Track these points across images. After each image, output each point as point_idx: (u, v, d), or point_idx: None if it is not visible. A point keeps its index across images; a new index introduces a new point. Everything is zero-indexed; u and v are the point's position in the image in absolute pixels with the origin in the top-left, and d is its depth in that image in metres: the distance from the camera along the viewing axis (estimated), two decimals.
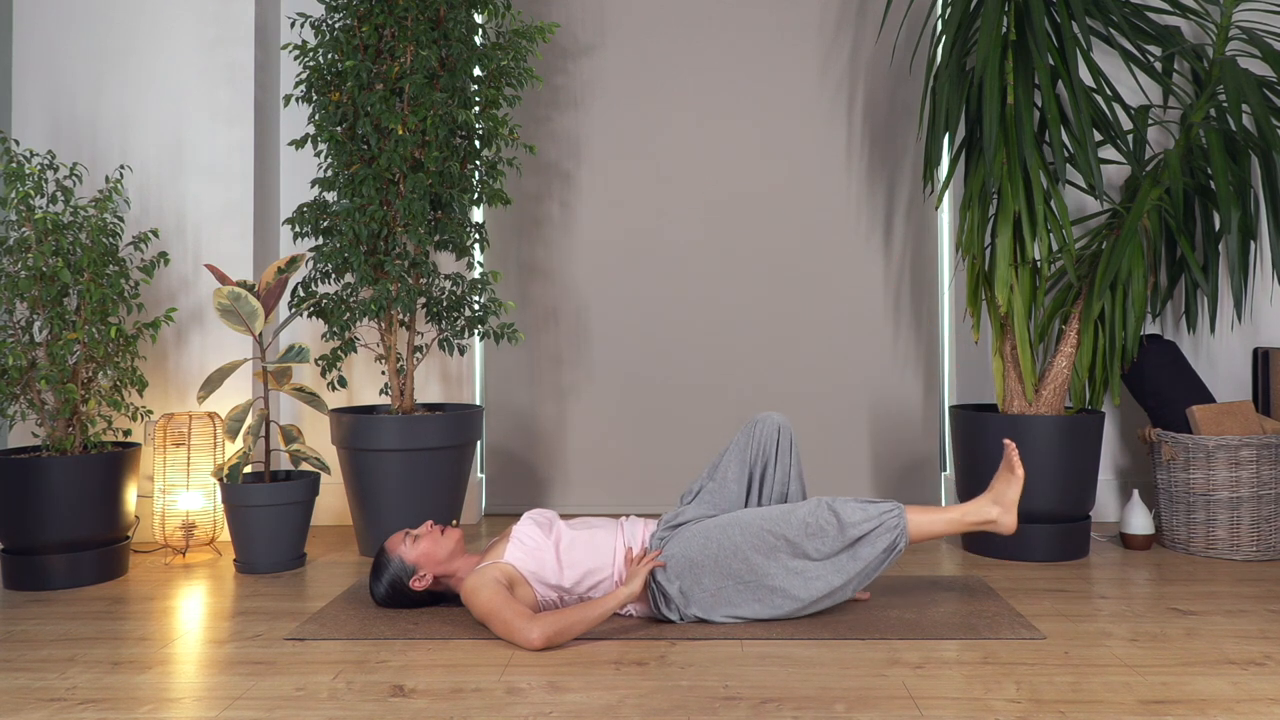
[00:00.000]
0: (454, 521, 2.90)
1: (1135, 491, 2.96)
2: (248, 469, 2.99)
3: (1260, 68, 3.29)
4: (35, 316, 2.64)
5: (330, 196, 3.34)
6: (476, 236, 3.08)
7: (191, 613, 2.34)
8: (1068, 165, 3.19)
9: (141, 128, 3.15)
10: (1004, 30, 2.89)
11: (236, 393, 3.13)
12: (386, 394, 3.10)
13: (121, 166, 2.85)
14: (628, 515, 2.77)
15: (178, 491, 2.89)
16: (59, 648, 2.08)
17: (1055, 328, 3.20)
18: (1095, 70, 2.84)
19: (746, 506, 2.35)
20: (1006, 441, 2.29)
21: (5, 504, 2.54)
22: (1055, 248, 3.10)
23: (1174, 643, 2.07)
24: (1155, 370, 3.00)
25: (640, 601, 2.21)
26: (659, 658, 1.99)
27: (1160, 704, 1.74)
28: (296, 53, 3.19)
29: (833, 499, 2.18)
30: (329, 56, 2.90)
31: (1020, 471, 2.28)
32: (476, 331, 3.32)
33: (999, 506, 2.27)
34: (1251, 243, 3.15)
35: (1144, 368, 3.01)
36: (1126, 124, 3.35)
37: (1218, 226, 3.18)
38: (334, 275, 2.93)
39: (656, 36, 3.56)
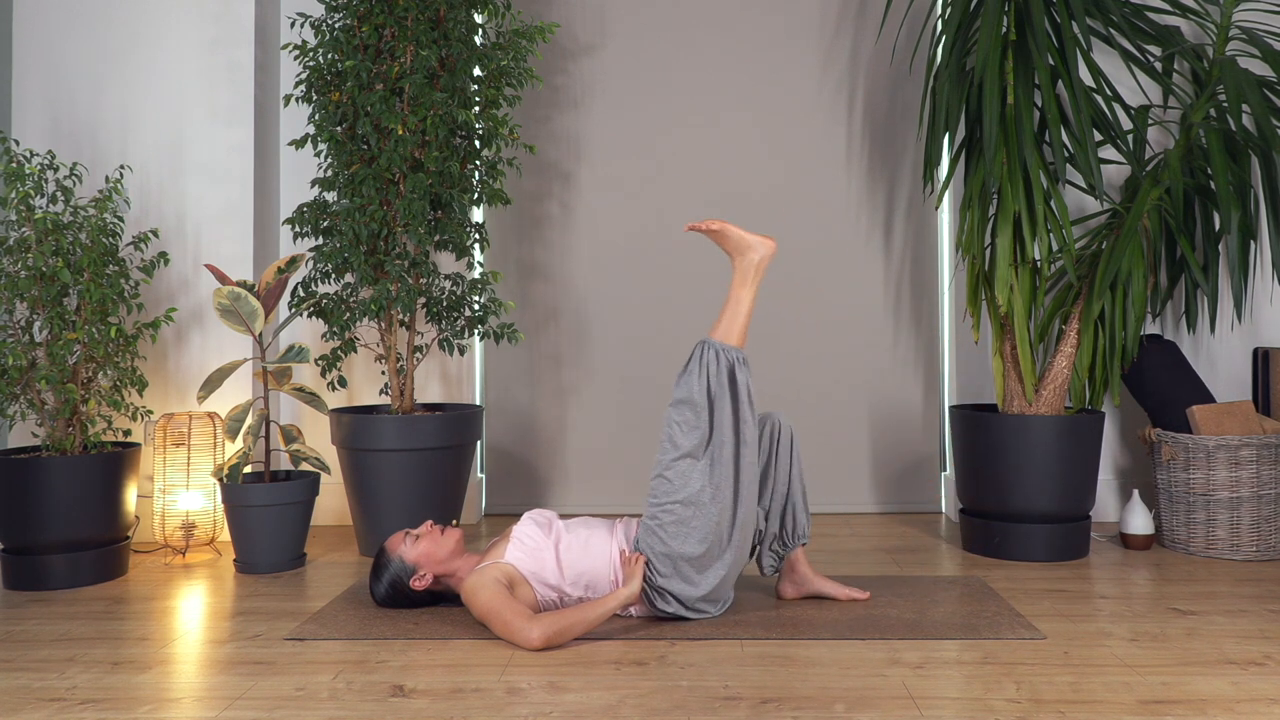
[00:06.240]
0: (454, 521, 2.90)
1: (1135, 491, 2.95)
2: (248, 469, 2.99)
3: (1260, 68, 3.29)
4: (35, 316, 2.64)
5: (330, 196, 3.34)
6: (476, 236, 3.08)
7: (191, 613, 2.34)
8: (1068, 165, 3.19)
9: (141, 128, 3.15)
10: (1004, 30, 2.89)
11: (236, 393, 3.13)
12: (386, 394, 3.10)
13: (121, 166, 2.85)
14: (623, 517, 2.77)
15: (178, 491, 2.89)
16: (59, 648, 2.08)
17: (1055, 328, 3.20)
18: (1095, 70, 2.84)
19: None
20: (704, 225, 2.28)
21: (5, 504, 2.54)
22: (1055, 248, 3.09)
23: (1174, 643, 2.07)
24: (1155, 370, 3.00)
25: (639, 601, 2.21)
26: (659, 658, 1.99)
27: (1160, 704, 1.74)
28: (296, 53, 3.19)
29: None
30: (329, 56, 2.90)
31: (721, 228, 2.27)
32: (476, 331, 3.32)
33: (749, 247, 2.27)
34: (1251, 243, 3.15)
35: (1144, 368, 3.01)
36: (1126, 124, 3.35)
37: (1218, 226, 3.18)
38: (334, 275, 2.93)
39: (656, 36, 3.56)
